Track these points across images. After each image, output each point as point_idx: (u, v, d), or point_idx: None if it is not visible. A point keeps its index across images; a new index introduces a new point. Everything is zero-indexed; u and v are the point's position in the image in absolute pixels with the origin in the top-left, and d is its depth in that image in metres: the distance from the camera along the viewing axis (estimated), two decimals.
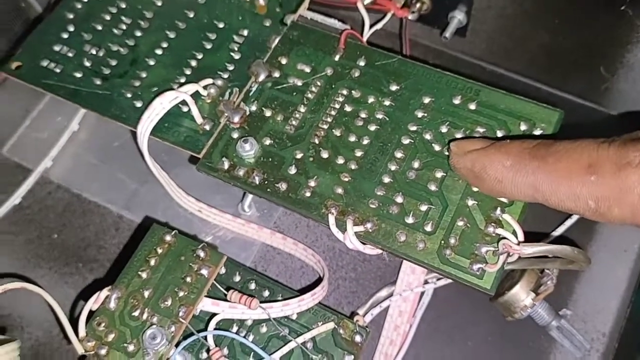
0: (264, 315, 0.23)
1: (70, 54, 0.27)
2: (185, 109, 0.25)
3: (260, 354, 0.22)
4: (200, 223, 0.28)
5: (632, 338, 0.25)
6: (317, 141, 0.24)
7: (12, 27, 0.32)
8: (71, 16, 0.28)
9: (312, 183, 0.23)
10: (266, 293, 0.24)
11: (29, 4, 0.33)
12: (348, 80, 0.25)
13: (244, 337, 0.23)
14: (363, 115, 0.25)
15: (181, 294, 0.22)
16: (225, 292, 0.23)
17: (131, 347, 0.21)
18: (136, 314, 0.22)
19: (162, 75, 0.26)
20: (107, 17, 0.28)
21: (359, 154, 0.24)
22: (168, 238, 0.23)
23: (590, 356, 0.25)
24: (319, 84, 0.25)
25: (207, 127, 0.25)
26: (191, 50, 0.26)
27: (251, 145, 0.24)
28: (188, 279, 0.22)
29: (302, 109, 0.25)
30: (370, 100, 0.25)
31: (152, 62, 0.26)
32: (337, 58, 0.26)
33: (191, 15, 0.28)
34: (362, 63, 0.26)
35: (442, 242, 0.22)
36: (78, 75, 0.26)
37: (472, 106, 0.24)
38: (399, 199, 0.23)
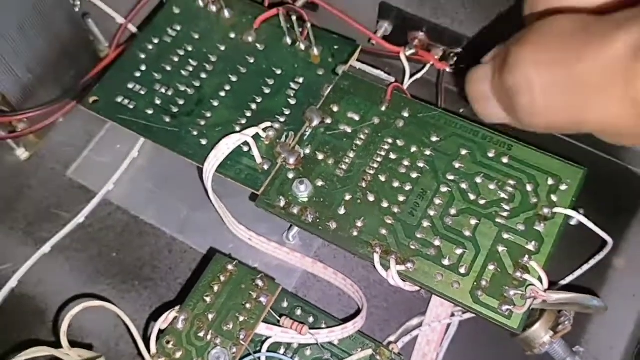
0: (311, 340, 0.25)
1: (142, 92, 0.30)
2: (246, 148, 0.28)
3: None
4: (248, 249, 0.31)
5: None
6: (364, 185, 0.27)
7: (80, 59, 0.34)
8: (143, 56, 0.31)
9: (359, 223, 0.26)
10: (311, 319, 0.27)
11: (96, 38, 0.36)
12: (393, 129, 0.28)
13: (291, 359, 0.26)
14: (406, 163, 0.27)
15: (241, 318, 0.25)
16: (278, 318, 0.26)
17: None
18: (201, 334, 0.24)
19: (225, 116, 0.29)
20: (176, 59, 0.31)
21: (401, 198, 0.27)
22: (230, 267, 0.26)
23: None
24: (366, 131, 0.28)
25: (266, 167, 0.27)
26: (251, 94, 0.29)
27: (306, 186, 0.27)
28: (248, 305, 0.25)
29: (351, 155, 0.28)
30: (413, 149, 0.28)
31: (216, 103, 0.29)
32: (383, 108, 0.29)
33: (251, 60, 0.30)
34: (406, 114, 0.29)
35: (475, 283, 0.25)
36: (149, 112, 0.29)
37: (505, 160, 0.27)
38: (437, 242, 0.25)
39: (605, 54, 0.16)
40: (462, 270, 0.25)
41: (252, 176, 0.27)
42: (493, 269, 0.25)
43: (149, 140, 0.29)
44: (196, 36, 0.31)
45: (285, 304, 0.27)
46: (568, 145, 0.33)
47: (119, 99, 0.29)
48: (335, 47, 0.30)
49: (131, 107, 0.29)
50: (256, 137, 0.28)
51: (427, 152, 0.27)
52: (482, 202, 0.26)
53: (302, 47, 0.30)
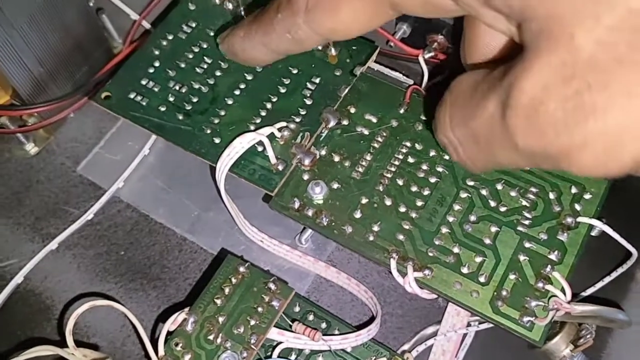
0: (324, 347, 0.25)
1: (155, 89, 0.29)
2: (260, 148, 0.27)
3: None
4: (259, 251, 0.30)
5: None
6: (381, 189, 0.26)
7: (93, 55, 0.34)
8: (157, 52, 0.30)
9: (375, 228, 0.25)
10: (323, 325, 0.26)
11: (110, 33, 0.35)
12: (412, 132, 0.27)
13: None
14: (424, 167, 0.27)
15: (253, 322, 0.24)
16: (290, 323, 0.25)
17: None
18: (211, 337, 0.24)
19: (240, 114, 0.28)
20: (190, 56, 0.30)
21: (419, 203, 0.26)
22: (242, 269, 0.25)
23: None
24: (384, 134, 0.28)
25: (280, 168, 0.27)
26: (267, 93, 0.29)
27: (321, 188, 0.26)
28: (259, 309, 0.24)
29: (368, 157, 0.27)
30: (432, 153, 0.27)
31: (230, 102, 0.29)
32: (402, 111, 0.28)
33: None
34: (424, 117, 0.28)
35: (495, 293, 0.24)
36: (162, 109, 0.28)
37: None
38: (456, 250, 0.25)
39: (484, 114, 0.18)
40: (482, 279, 0.24)
41: (266, 177, 0.27)
42: (514, 278, 0.24)
43: (162, 138, 0.28)
44: (211, 33, 0.31)
45: (297, 309, 0.26)
46: None
47: (132, 96, 0.29)
48: (353, 47, 0.30)
49: (144, 103, 0.29)
50: (271, 136, 0.27)
51: (447, 157, 0.27)
52: (502, 209, 0.25)
53: (319, 46, 0.30)
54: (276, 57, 0.26)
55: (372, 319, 0.28)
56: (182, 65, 0.30)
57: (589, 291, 0.28)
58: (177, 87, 0.29)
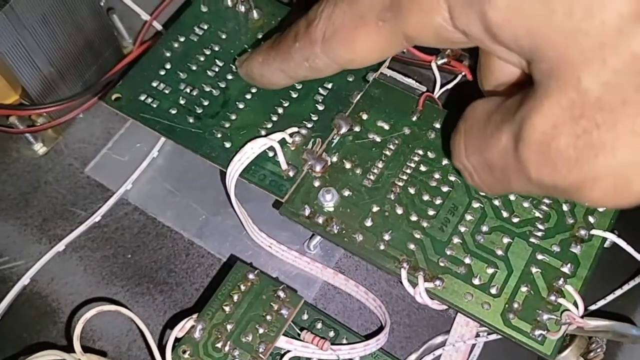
0: (332, 356, 0.24)
1: (166, 91, 0.29)
2: (271, 154, 0.27)
3: None
4: (267, 257, 0.30)
5: None
6: (392, 197, 0.26)
7: (103, 55, 0.34)
8: (168, 54, 0.30)
9: (386, 237, 0.25)
10: (331, 333, 0.26)
11: (120, 34, 0.35)
12: (424, 141, 0.27)
13: None
14: (437, 176, 0.26)
15: (261, 330, 0.24)
16: (298, 331, 0.25)
17: None
18: (219, 345, 0.23)
19: (251, 119, 0.28)
20: (202, 59, 0.30)
21: (431, 212, 0.26)
22: (251, 276, 0.25)
23: None
24: (396, 142, 0.27)
25: (291, 174, 0.26)
26: (278, 98, 0.28)
27: (332, 195, 0.26)
28: (268, 317, 0.24)
29: (380, 165, 0.27)
30: (444, 162, 0.27)
31: (241, 106, 0.28)
32: (414, 118, 0.28)
33: None
34: (437, 125, 0.28)
35: (506, 305, 0.24)
36: (173, 111, 0.28)
37: None
38: (467, 260, 0.24)
39: (498, 145, 0.19)
40: (494, 291, 0.24)
41: (277, 183, 0.26)
42: (526, 291, 0.24)
43: (172, 140, 0.28)
44: (223, 36, 0.31)
45: (305, 316, 0.26)
46: None
47: (142, 97, 0.29)
48: None
49: (154, 106, 0.28)
50: (282, 142, 0.27)
51: None
52: (515, 220, 0.25)
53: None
54: (294, 82, 0.26)
55: (380, 327, 0.28)
56: (194, 68, 0.30)
57: (600, 304, 0.27)
58: (188, 90, 0.29)
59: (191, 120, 0.28)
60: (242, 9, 0.31)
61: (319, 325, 0.26)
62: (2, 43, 0.28)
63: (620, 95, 0.15)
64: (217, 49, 0.30)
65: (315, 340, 0.24)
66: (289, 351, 0.24)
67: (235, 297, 0.24)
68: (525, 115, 0.17)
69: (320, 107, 0.28)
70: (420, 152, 0.27)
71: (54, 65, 0.31)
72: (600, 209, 0.25)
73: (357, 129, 0.28)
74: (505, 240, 0.25)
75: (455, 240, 0.25)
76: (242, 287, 0.25)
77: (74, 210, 0.32)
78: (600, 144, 0.16)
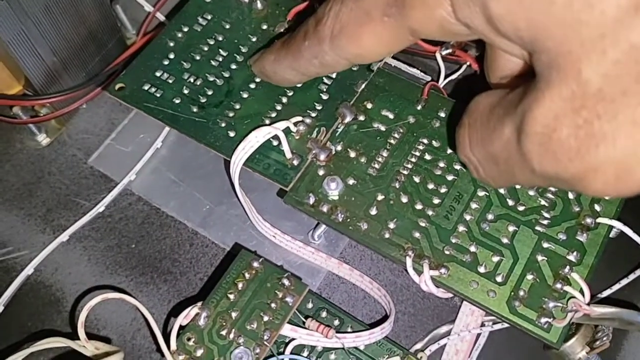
0: (336, 344, 0.24)
1: (170, 81, 0.29)
2: (275, 143, 0.27)
3: None
4: (271, 246, 0.30)
5: None
6: (397, 185, 0.26)
7: (107, 46, 0.34)
8: (172, 44, 0.30)
9: (391, 225, 0.25)
10: (336, 322, 0.26)
11: (124, 25, 0.35)
12: (429, 129, 0.27)
13: None
14: (442, 164, 0.26)
15: (266, 318, 0.24)
16: (303, 319, 0.25)
17: None
18: (223, 333, 0.23)
19: (255, 108, 0.28)
20: (205, 48, 0.30)
21: (436, 201, 0.25)
22: (255, 264, 0.25)
23: None
24: (401, 130, 0.27)
25: (295, 162, 0.26)
26: (283, 88, 0.28)
27: (337, 184, 0.26)
28: (273, 305, 0.24)
29: (385, 154, 0.27)
30: (449, 151, 0.27)
31: (245, 95, 0.28)
32: (419, 107, 0.28)
33: None
34: (442, 114, 0.27)
35: (512, 293, 0.23)
36: (177, 101, 0.28)
37: None
38: (473, 249, 0.24)
39: (501, 138, 0.19)
40: (499, 279, 0.24)
41: (281, 171, 0.26)
42: (532, 278, 0.24)
43: (175, 130, 0.28)
44: (227, 26, 0.30)
45: (310, 305, 0.26)
46: None
47: (146, 87, 0.29)
48: None
49: (158, 95, 0.28)
50: (286, 131, 0.27)
51: None
52: (521, 208, 0.25)
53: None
54: (306, 78, 0.27)
55: (384, 317, 0.28)
56: (197, 58, 0.29)
57: (606, 293, 0.27)
58: (191, 80, 0.29)
59: (195, 110, 0.28)
60: None
61: (324, 314, 0.26)
62: (6, 32, 0.28)
63: (620, 85, 0.15)
64: (220, 39, 0.30)
65: (320, 328, 0.24)
66: (293, 339, 0.24)
67: (240, 285, 0.24)
68: (526, 108, 0.17)
69: (325, 97, 0.28)
70: (425, 140, 0.27)
71: (57, 55, 0.31)
72: (606, 197, 0.25)
73: (361, 118, 0.28)
74: (511, 228, 0.25)
75: (461, 228, 0.25)
76: (247, 275, 0.25)
77: (77, 200, 0.32)
78: (601, 135, 0.16)
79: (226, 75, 0.29)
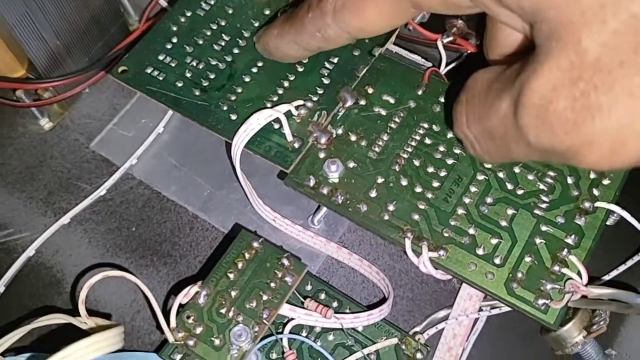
0: (335, 325, 0.25)
1: (172, 64, 0.29)
2: (276, 126, 0.27)
3: None
4: (271, 230, 0.30)
5: None
6: (397, 168, 0.26)
7: (110, 30, 0.34)
8: (175, 29, 0.30)
9: (391, 207, 0.25)
10: (335, 304, 0.26)
11: (127, 10, 0.35)
12: (429, 114, 0.27)
13: (314, 342, 0.25)
14: (442, 148, 0.26)
15: (265, 297, 0.24)
16: (302, 300, 0.25)
17: (217, 342, 0.23)
18: (223, 311, 0.23)
19: (257, 92, 0.28)
20: (208, 33, 0.30)
21: (436, 184, 0.26)
22: (255, 245, 0.25)
23: None
24: (402, 115, 0.27)
25: (296, 145, 0.27)
26: (284, 72, 0.29)
27: (337, 166, 0.26)
28: (272, 285, 0.24)
29: (385, 137, 0.27)
30: (449, 135, 0.27)
31: (247, 79, 0.28)
32: (420, 92, 0.28)
33: None
34: (443, 99, 0.28)
35: (510, 275, 0.24)
36: (179, 84, 0.28)
37: None
38: (471, 231, 0.25)
39: (498, 113, 0.19)
40: (497, 261, 0.24)
41: (282, 154, 0.27)
42: (530, 261, 0.24)
43: (178, 113, 0.28)
44: (230, 11, 0.31)
45: (309, 287, 0.26)
46: None
47: (149, 70, 0.29)
48: None
49: (160, 78, 0.29)
50: (288, 114, 0.27)
51: None
52: (520, 192, 0.25)
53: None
54: (308, 54, 0.27)
55: (382, 300, 0.28)
56: (200, 42, 0.30)
57: (605, 278, 0.27)
58: (194, 63, 0.29)
59: (197, 93, 0.28)
60: None
61: (323, 296, 0.26)
62: (11, 15, 0.28)
63: (618, 56, 0.15)
64: (223, 23, 0.30)
65: (319, 308, 0.24)
66: (292, 319, 0.24)
67: (240, 265, 0.24)
68: (524, 80, 0.17)
69: (326, 81, 0.28)
70: (426, 125, 0.27)
71: (60, 38, 0.31)
72: (605, 182, 0.25)
73: (362, 102, 0.28)
74: (510, 211, 0.25)
75: (460, 211, 0.25)
76: (247, 255, 0.25)
77: (79, 184, 0.32)
78: (598, 106, 0.16)
79: (228, 59, 0.29)
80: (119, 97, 0.34)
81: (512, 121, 0.18)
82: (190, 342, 0.23)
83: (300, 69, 0.29)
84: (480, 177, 0.26)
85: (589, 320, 0.26)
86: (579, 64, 0.16)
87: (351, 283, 0.29)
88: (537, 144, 0.18)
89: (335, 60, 0.29)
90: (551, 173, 0.25)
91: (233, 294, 0.24)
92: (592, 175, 0.25)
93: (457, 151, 0.26)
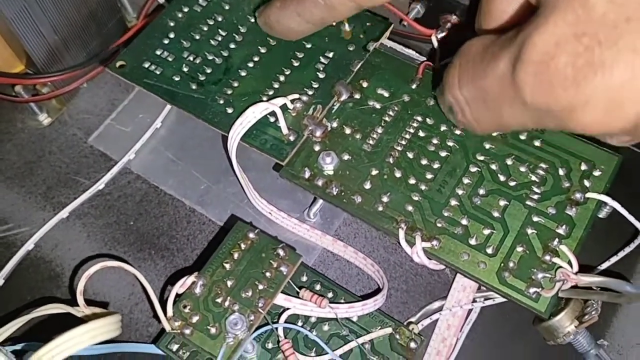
0: (330, 315, 0.25)
1: (169, 59, 0.29)
2: (272, 119, 0.27)
3: (326, 349, 0.24)
4: (267, 224, 0.30)
5: None
6: (391, 161, 0.26)
7: (108, 26, 0.34)
8: (172, 24, 0.30)
9: (385, 199, 0.25)
10: (330, 295, 0.26)
11: (124, 6, 0.35)
12: (423, 107, 0.28)
13: (310, 331, 0.25)
14: (435, 141, 0.27)
15: (261, 287, 0.24)
16: (297, 290, 0.25)
17: (213, 330, 0.23)
18: (219, 300, 0.24)
19: (253, 86, 0.29)
20: (205, 28, 0.30)
21: (429, 176, 0.26)
22: (251, 235, 0.25)
23: None
24: (396, 108, 0.28)
25: (292, 138, 0.27)
26: (280, 66, 0.29)
27: (332, 158, 0.26)
28: (268, 274, 0.24)
29: (379, 130, 0.27)
30: (443, 128, 0.27)
31: (243, 73, 0.29)
32: (414, 86, 0.28)
33: None
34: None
35: (502, 264, 0.24)
36: (176, 78, 0.29)
37: (537, 143, 0.26)
38: (464, 222, 0.25)
39: (495, 71, 0.19)
40: (489, 251, 0.24)
41: (277, 146, 0.27)
42: (521, 251, 0.24)
43: (174, 106, 0.28)
44: (227, 7, 0.31)
45: (304, 278, 0.26)
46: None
47: (146, 65, 0.29)
48: (367, 24, 0.30)
49: (158, 72, 0.29)
50: (283, 107, 0.27)
51: (457, 132, 0.27)
52: (512, 183, 0.26)
53: (334, 22, 0.30)
54: (310, 27, 0.27)
55: (377, 291, 0.28)
56: (197, 37, 0.30)
57: (598, 269, 0.28)
58: (191, 58, 0.29)
59: (194, 87, 0.29)
60: None
61: (318, 287, 0.26)
62: (9, 10, 0.29)
63: (624, 12, 0.15)
64: (220, 19, 0.31)
65: (314, 297, 0.24)
66: (287, 309, 0.25)
67: (236, 255, 0.25)
68: (527, 36, 0.17)
69: (321, 75, 0.29)
70: (419, 118, 0.27)
71: (58, 33, 0.32)
72: (596, 173, 0.25)
73: (357, 96, 0.28)
74: (502, 202, 0.25)
75: (453, 202, 0.25)
76: (243, 246, 0.25)
77: (77, 179, 0.32)
78: (600, 62, 0.16)
79: (225, 54, 0.30)
80: (117, 92, 0.34)
81: (509, 79, 0.18)
82: (187, 331, 0.23)
83: (295, 64, 0.29)
84: (473, 169, 0.26)
85: (580, 310, 0.26)
86: (585, 18, 0.16)
87: (346, 275, 0.30)
88: (533, 103, 0.18)
89: (331, 55, 0.29)
90: (543, 165, 0.26)
91: (229, 283, 0.24)
92: (583, 167, 0.26)
93: (451, 144, 0.27)
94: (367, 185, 0.26)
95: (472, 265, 0.24)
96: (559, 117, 0.18)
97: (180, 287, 0.24)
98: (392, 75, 0.29)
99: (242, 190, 0.30)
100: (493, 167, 0.26)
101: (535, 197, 0.25)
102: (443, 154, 0.26)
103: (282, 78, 0.29)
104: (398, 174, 0.26)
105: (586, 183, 0.25)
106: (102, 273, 0.28)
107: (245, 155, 0.28)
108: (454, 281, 0.28)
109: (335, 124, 0.27)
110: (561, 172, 0.26)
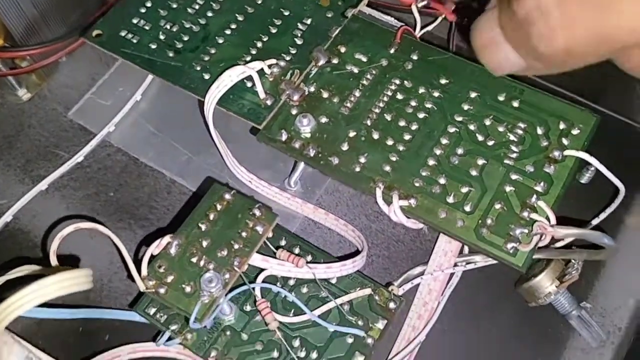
0: (308, 275, 0.25)
1: (146, 27, 0.29)
2: (249, 84, 0.27)
3: (304, 310, 0.24)
4: (248, 193, 0.30)
5: None
6: (369, 123, 0.26)
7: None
8: None
9: (362, 159, 0.25)
10: (309, 257, 0.26)
11: None
12: (401, 71, 0.28)
13: (289, 292, 0.25)
14: (413, 103, 0.27)
15: (236, 246, 0.24)
16: (275, 251, 0.25)
17: (188, 289, 0.23)
18: (194, 260, 0.24)
19: (230, 52, 0.28)
20: None
21: (407, 137, 0.26)
22: (227, 196, 0.25)
23: (605, 347, 0.27)
24: (374, 72, 0.28)
25: (269, 102, 0.27)
26: (258, 33, 0.29)
27: (309, 120, 0.26)
28: (243, 234, 0.24)
29: (357, 94, 0.27)
30: (421, 90, 0.27)
31: (221, 41, 0.29)
32: (392, 51, 0.28)
33: (259, 1, 0.30)
34: (415, 57, 0.28)
35: (480, 221, 0.24)
36: (153, 46, 0.29)
37: (516, 104, 0.26)
38: (442, 180, 0.25)
39: None
40: (467, 208, 0.24)
41: (255, 111, 0.27)
42: (499, 207, 0.24)
43: (152, 74, 0.28)
44: None
45: (283, 242, 0.26)
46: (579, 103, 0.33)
47: (123, 33, 0.29)
48: None
49: (135, 41, 0.29)
50: (260, 72, 0.27)
51: (436, 94, 0.27)
52: (490, 143, 0.25)
53: None
54: None
55: (358, 254, 0.28)
56: (174, 6, 0.30)
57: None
58: (168, 26, 0.29)
59: (171, 55, 0.28)
60: None
61: (297, 250, 0.26)
62: None
63: None
64: None
65: (291, 257, 0.24)
66: (264, 270, 0.25)
67: (212, 216, 0.25)
68: None
69: (299, 42, 0.29)
70: (397, 81, 0.27)
71: (37, 7, 0.31)
72: (574, 132, 0.25)
73: (335, 61, 0.28)
74: (480, 161, 0.25)
75: (431, 162, 0.25)
76: (219, 207, 0.25)
77: (57, 152, 0.32)
78: None
79: (202, 22, 0.29)
80: (98, 67, 0.34)
81: None
82: (162, 290, 0.23)
83: (273, 31, 0.29)
84: (452, 129, 0.26)
85: (561, 271, 0.26)
86: None
87: (328, 243, 0.29)
88: None
89: (308, 22, 0.29)
90: (521, 125, 0.26)
91: (204, 243, 0.24)
92: (561, 126, 0.25)
93: (429, 105, 0.26)
94: (345, 147, 0.26)
95: (450, 223, 0.24)
96: None
97: (155, 247, 0.24)
98: (370, 40, 0.28)
99: (222, 160, 0.29)
100: (471, 127, 0.26)
101: (514, 155, 0.25)
102: (421, 115, 0.26)
103: (259, 44, 0.29)
104: (376, 136, 0.26)
105: (564, 141, 0.25)
106: (80, 243, 0.28)
107: (224, 126, 0.28)
108: (435, 246, 0.28)
109: (312, 88, 0.27)
110: (539, 131, 0.25)
